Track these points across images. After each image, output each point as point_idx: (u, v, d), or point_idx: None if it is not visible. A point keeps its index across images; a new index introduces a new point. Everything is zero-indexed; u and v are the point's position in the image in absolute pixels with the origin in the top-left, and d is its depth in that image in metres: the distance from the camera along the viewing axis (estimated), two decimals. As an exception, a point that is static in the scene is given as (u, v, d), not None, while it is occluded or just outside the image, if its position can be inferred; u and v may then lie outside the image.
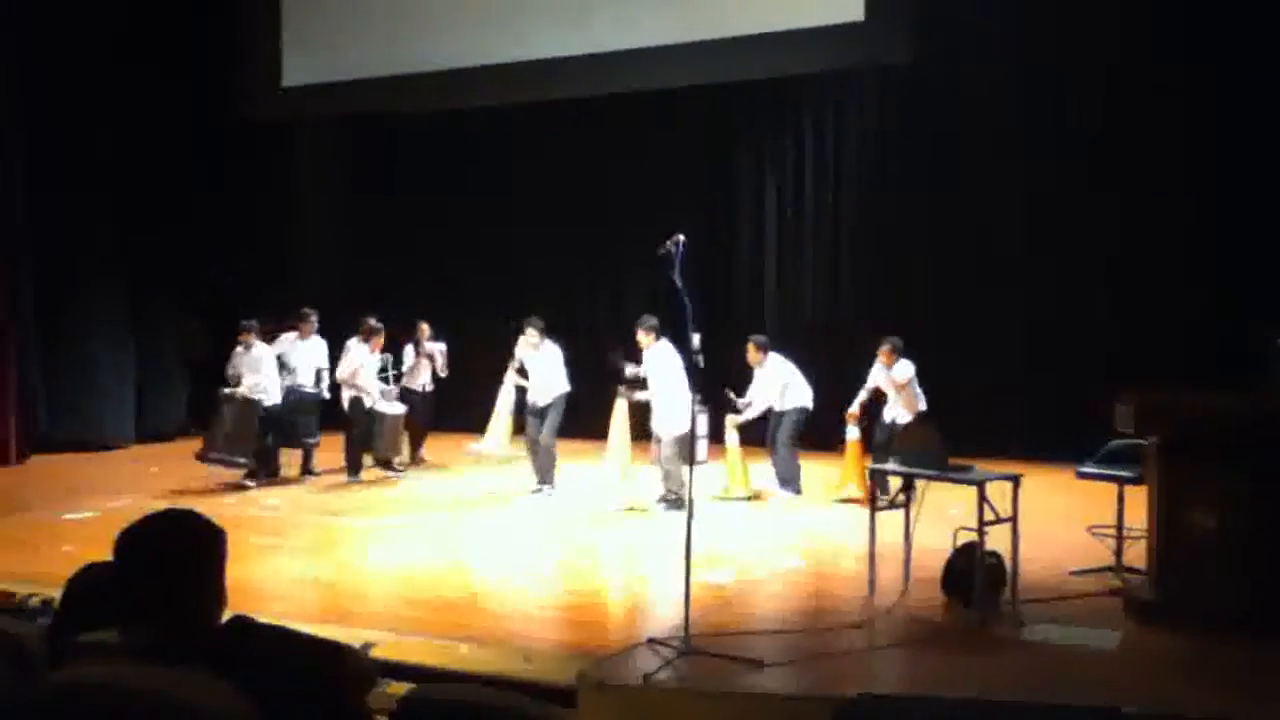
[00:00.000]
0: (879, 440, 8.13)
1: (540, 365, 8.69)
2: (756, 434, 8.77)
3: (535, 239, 12.72)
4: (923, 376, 8.40)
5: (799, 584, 6.11)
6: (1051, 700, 4.02)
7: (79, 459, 10.96)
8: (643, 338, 8.12)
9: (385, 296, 11.44)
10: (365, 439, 9.61)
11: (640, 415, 8.69)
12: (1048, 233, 10.35)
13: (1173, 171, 9.69)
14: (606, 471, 9.46)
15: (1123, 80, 9.92)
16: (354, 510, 8.29)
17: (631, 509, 8.10)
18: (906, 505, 5.63)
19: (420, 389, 10.58)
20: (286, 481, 9.52)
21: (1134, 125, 9.88)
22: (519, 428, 9.46)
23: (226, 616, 2.05)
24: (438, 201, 13.15)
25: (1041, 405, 10.19)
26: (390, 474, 9.75)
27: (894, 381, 8.23)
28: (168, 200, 11.88)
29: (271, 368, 9.43)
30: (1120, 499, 5.90)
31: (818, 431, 8.88)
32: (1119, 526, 5.91)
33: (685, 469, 5.65)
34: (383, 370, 9.98)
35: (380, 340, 9.75)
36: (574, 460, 9.37)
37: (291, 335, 9.86)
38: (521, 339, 8.83)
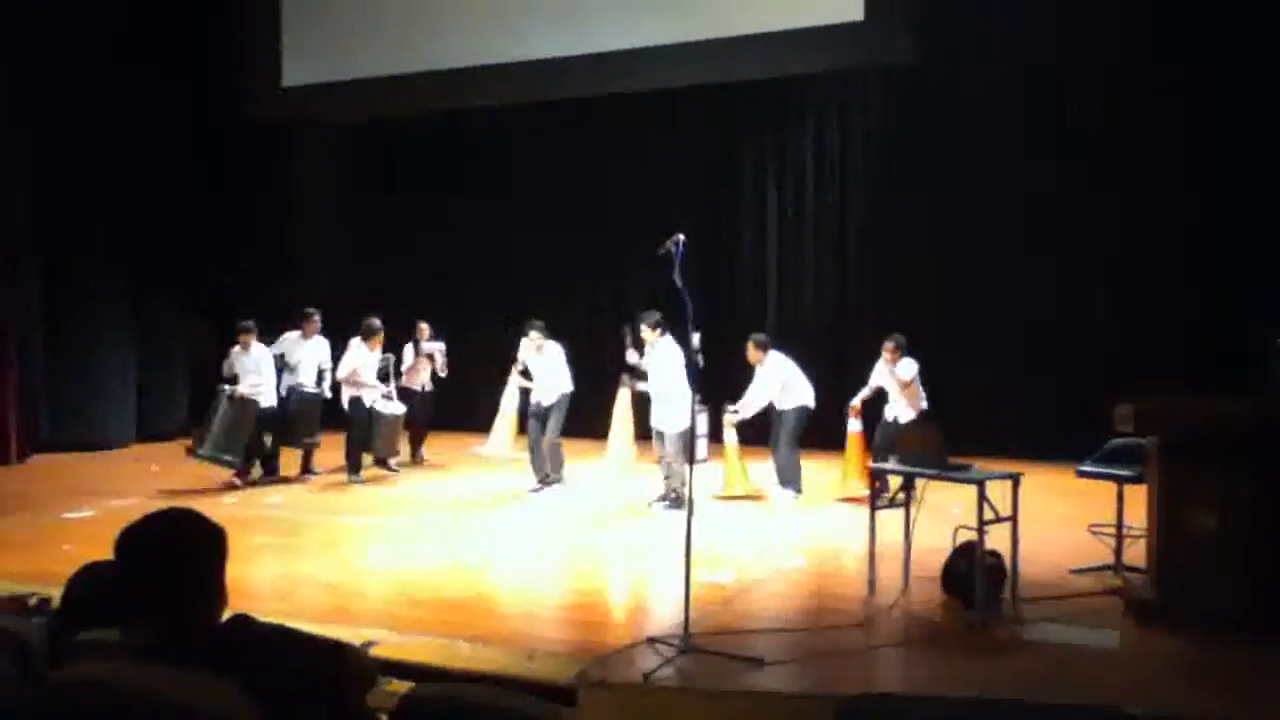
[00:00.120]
0: (881, 439, 8.14)
1: (544, 366, 8.74)
2: (757, 433, 8.78)
3: (535, 239, 12.73)
4: (923, 375, 8.41)
5: (799, 583, 6.11)
6: (1052, 700, 4.02)
7: (80, 458, 10.97)
8: (647, 333, 8.15)
9: (386, 296, 11.47)
10: (365, 439, 9.62)
11: (642, 407, 8.71)
12: (1048, 233, 10.36)
13: (1173, 171, 9.70)
14: (608, 464, 9.49)
15: (1123, 80, 9.93)
16: (355, 509, 8.30)
17: (632, 509, 8.11)
18: (906, 504, 5.63)
19: (419, 389, 10.59)
20: (287, 481, 9.53)
21: (1134, 125, 9.89)
22: (523, 429, 9.48)
23: (227, 615, 2.05)
24: (438, 201, 13.16)
25: (1041, 405, 10.20)
26: (386, 473, 9.75)
27: (899, 379, 8.24)
28: (168, 200, 11.90)
29: (270, 369, 9.44)
30: (1120, 498, 5.90)
31: (820, 430, 8.88)
32: (1119, 525, 5.92)
33: (686, 467, 5.65)
34: (383, 370, 9.99)
35: (380, 340, 9.75)
36: (575, 459, 9.38)
37: (294, 334, 9.86)
38: (524, 341, 8.88)
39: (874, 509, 5.69)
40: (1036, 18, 10.25)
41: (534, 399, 8.85)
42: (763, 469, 8.70)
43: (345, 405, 9.67)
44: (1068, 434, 8.17)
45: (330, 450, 9.85)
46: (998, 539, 5.19)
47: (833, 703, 3.91)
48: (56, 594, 2.64)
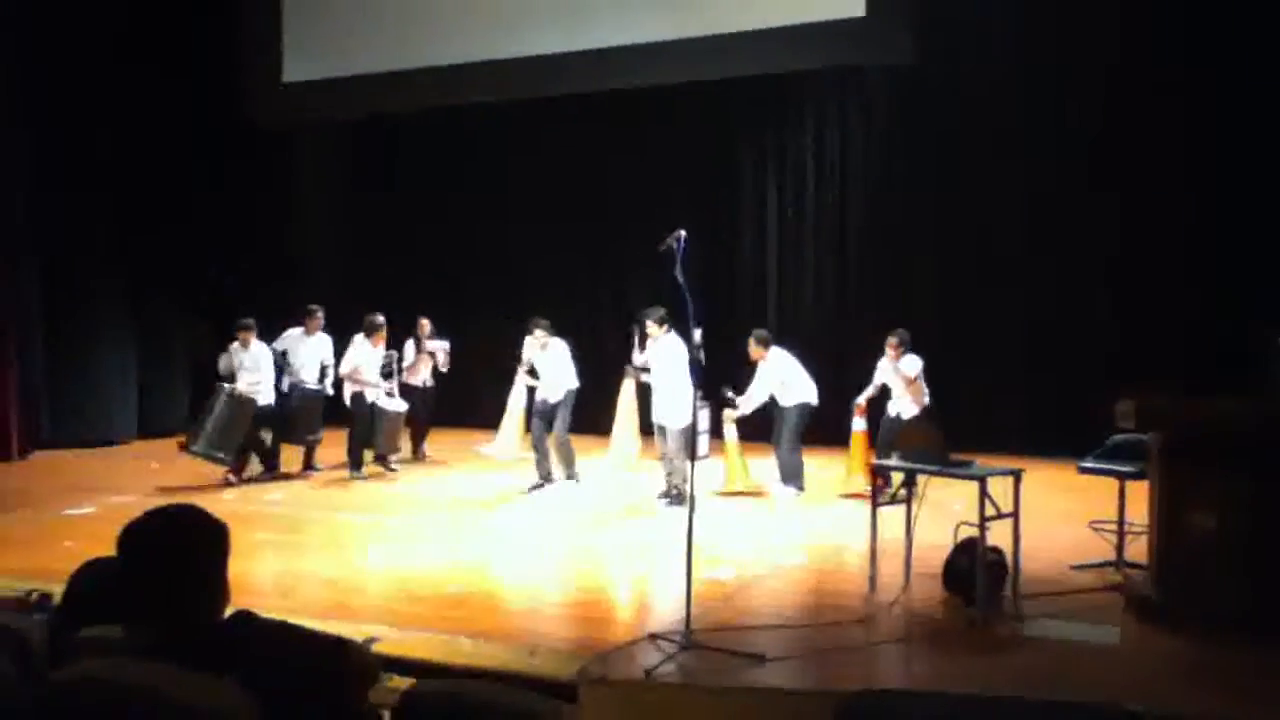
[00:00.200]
0: (883, 435, 8.14)
1: (549, 363, 8.76)
2: (758, 430, 8.77)
3: (536, 235, 12.72)
4: (925, 373, 8.42)
5: (800, 579, 6.11)
6: (1053, 697, 4.01)
7: (80, 455, 10.98)
8: (653, 328, 8.16)
9: (386, 293, 11.45)
10: (367, 435, 9.63)
11: (646, 400, 8.72)
12: (1048, 232, 10.35)
13: (1173, 171, 9.69)
14: (610, 457, 9.49)
15: (1123, 80, 9.92)
16: (356, 506, 8.30)
17: (633, 506, 8.12)
18: (908, 501, 5.63)
19: (421, 385, 10.59)
20: (289, 477, 9.53)
21: (1134, 125, 9.87)
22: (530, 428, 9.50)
23: (229, 612, 2.05)
24: (438, 198, 13.16)
25: (1042, 405, 10.20)
26: (386, 470, 9.75)
27: (904, 376, 8.25)
28: (169, 199, 11.90)
29: (269, 367, 9.43)
30: (1121, 494, 5.91)
31: (822, 427, 8.89)
32: (1120, 522, 5.92)
33: (688, 463, 5.65)
34: (386, 367, 9.99)
35: (383, 336, 9.76)
36: (579, 455, 9.36)
37: (297, 331, 9.87)
38: (529, 339, 8.90)
39: (875, 505, 5.69)
40: (1037, 17, 10.24)
41: (540, 396, 8.86)
42: (764, 465, 8.70)
43: (347, 401, 9.67)
44: (1068, 434, 8.17)
45: (332, 447, 9.86)
46: (999, 535, 5.20)
47: (833, 699, 3.91)
48: (57, 590, 2.64)
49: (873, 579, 5.59)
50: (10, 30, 10.82)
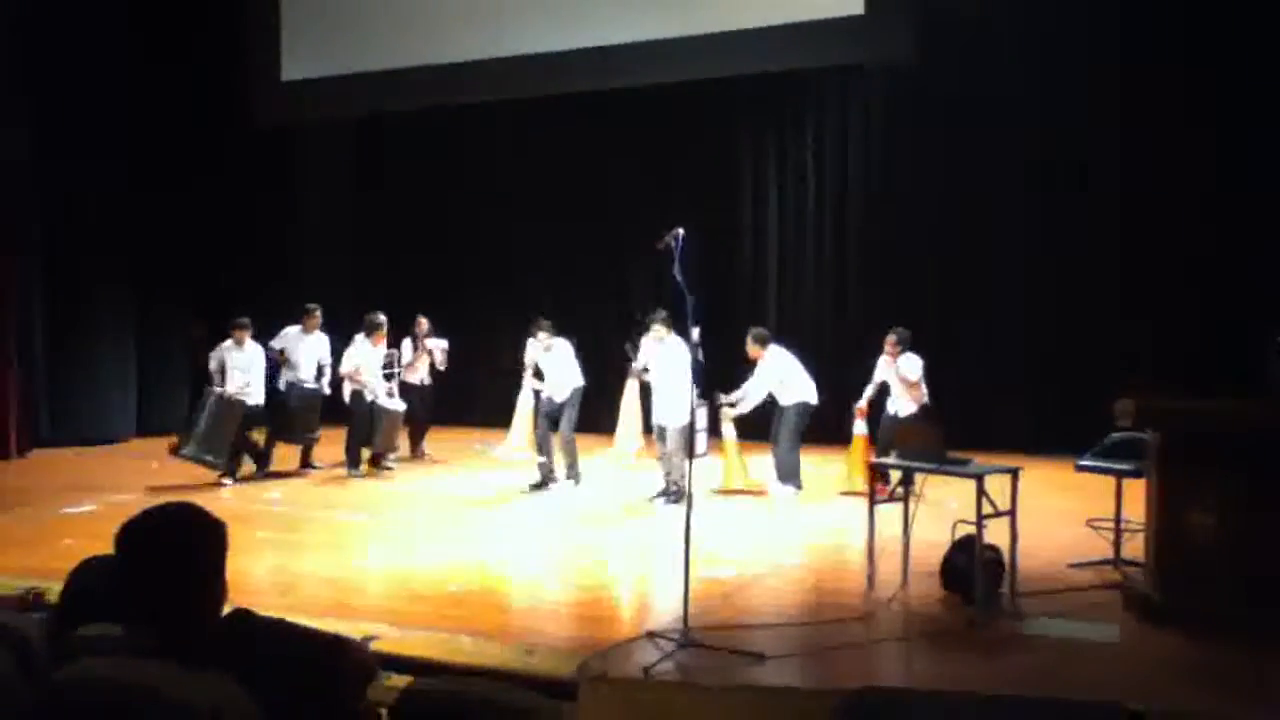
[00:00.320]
0: (882, 434, 8.14)
1: (554, 364, 8.80)
2: (757, 428, 8.77)
3: (536, 233, 12.71)
4: (924, 371, 8.42)
5: (799, 578, 6.11)
6: (1052, 695, 4.02)
7: (79, 453, 10.98)
8: (660, 330, 8.17)
9: (386, 292, 11.46)
10: (366, 434, 9.63)
11: (649, 400, 8.74)
12: (1047, 231, 10.35)
13: (1173, 170, 9.68)
14: (614, 454, 9.50)
15: (1122, 78, 9.90)
16: (354, 504, 8.30)
17: (632, 505, 8.13)
18: (905, 499, 5.63)
19: (419, 384, 10.59)
20: (287, 475, 9.53)
21: (1134, 123, 9.86)
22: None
23: (227, 610, 2.05)
24: (438, 197, 13.15)
25: (1041, 404, 10.21)
26: (382, 470, 9.75)
27: (904, 379, 8.28)
28: (168, 199, 11.88)
29: (261, 368, 9.41)
30: (1118, 493, 5.91)
31: (821, 426, 8.89)
32: (1117, 520, 5.93)
33: (686, 462, 5.66)
34: (387, 366, 9.99)
35: (383, 335, 9.76)
36: (580, 454, 9.35)
37: (294, 329, 9.86)
38: (531, 342, 8.93)
39: (873, 504, 5.69)
40: (1036, 15, 10.24)
41: (545, 395, 8.88)
42: (763, 463, 8.70)
43: (347, 400, 9.67)
44: (1067, 434, 8.17)
45: (330, 445, 9.85)
46: (996, 533, 5.20)
47: (832, 698, 3.92)
48: (53, 588, 2.64)
49: (871, 577, 5.60)
50: (10, 30, 10.82)
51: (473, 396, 12.02)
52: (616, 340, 10.47)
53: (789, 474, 8.42)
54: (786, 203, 11.95)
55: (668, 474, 8.16)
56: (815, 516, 7.71)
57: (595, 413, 9.99)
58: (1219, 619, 4.68)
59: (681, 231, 5.06)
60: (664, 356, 8.15)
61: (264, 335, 9.67)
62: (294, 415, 9.56)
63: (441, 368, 10.69)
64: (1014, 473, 5.25)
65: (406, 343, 10.57)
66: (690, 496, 4.92)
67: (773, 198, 12.01)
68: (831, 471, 8.92)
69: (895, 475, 6.15)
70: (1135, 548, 5.65)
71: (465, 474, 9.76)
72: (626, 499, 8.32)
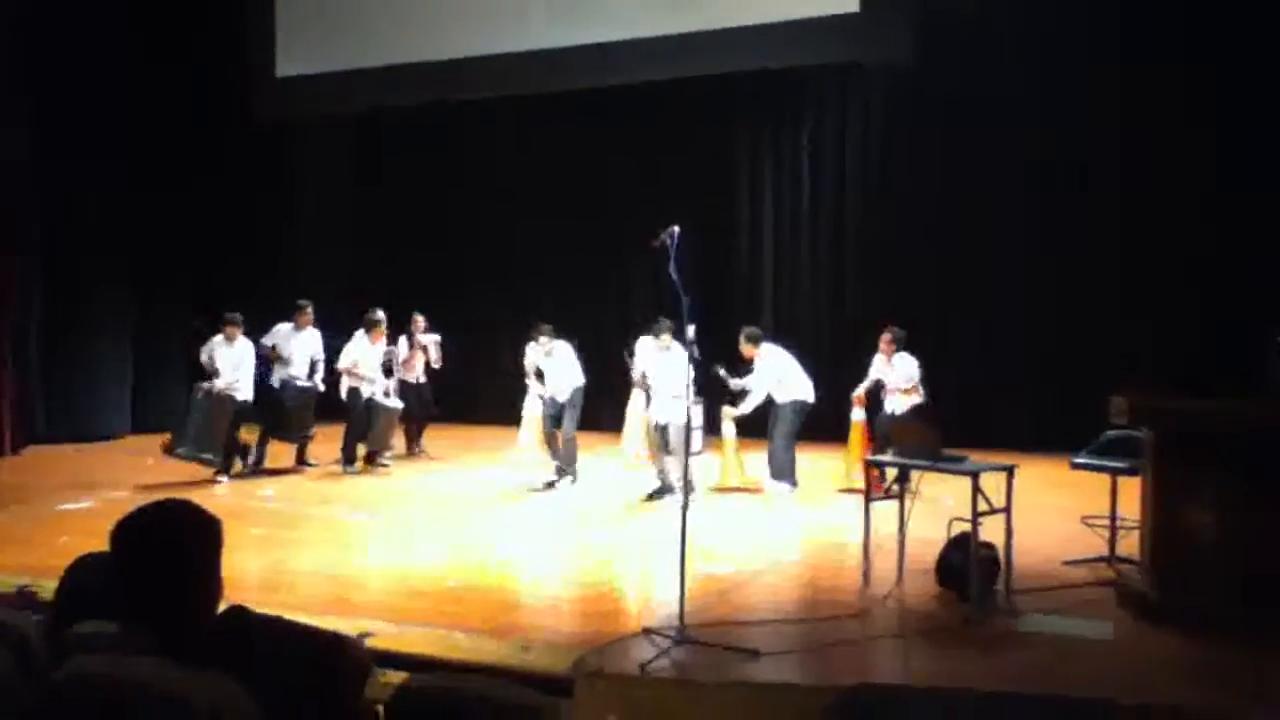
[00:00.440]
0: (879, 431, 8.16)
1: (555, 366, 8.84)
2: (755, 425, 8.77)
3: (534, 230, 12.71)
4: (921, 368, 8.43)
5: (795, 575, 6.12)
6: (1047, 691, 4.03)
7: (75, 451, 10.97)
8: (666, 338, 8.19)
9: (384, 289, 11.45)
10: (362, 430, 9.62)
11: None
12: (1046, 229, 10.35)
13: (1173, 171, 9.69)
14: (621, 451, 9.52)
15: (1121, 77, 9.91)
16: (350, 501, 8.30)
17: (645, 499, 8.14)
18: (901, 496, 5.64)
19: (414, 380, 10.58)
20: (282, 472, 9.52)
21: (1133, 122, 9.86)
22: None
23: (223, 607, 2.05)
24: (436, 194, 13.14)
25: (1041, 404, 10.22)
26: (376, 467, 9.74)
27: (899, 386, 8.34)
28: (166, 196, 11.85)
29: (250, 364, 9.39)
30: (1113, 490, 5.92)
31: (818, 423, 8.89)
32: (1112, 517, 5.94)
33: (683, 460, 5.67)
34: (386, 363, 9.99)
35: (382, 332, 9.76)
36: (580, 453, 9.36)
37: (286, 326, 9.84)
38: (531, 346, 8.97)
39: (869, 501, 5.70)
40: (1035, 14, 10.24)
41: (548, 395, 8.91)
42: (760, 461, 8.69)
43: (344, 396, 9.66)
44: (1065, 433, 8.18)
45: (325, 442, 9.84)
46: (992, 531, 5.21)
47: (828, 694, 3.93)
48: (48, 585, 2.64)
49: (867, 574, 5.60)
50: (10, 30, 10.80)
51: (472, 395, 12.01)
52: (615, 338, 10.48)
53: (783, 471, 8.42)
54: (784, 201, 11.95)
55: (661, 472, 8.16)
56: (812, 514, 7.72)
57: (595, 411, 10.00)
58: (1215, 617, 4.69)
59: (677, 229, 5.05)
60: (666, 360, 8.19)
61: (261, 332, 9.65)
62: (289, 414, 9.54)
63: (435, 364, 10.67)
64: (1009, 470, 5.26)
65: (403, 340, 10.56)
66: (687, 494, 4.92)
67: (770, 196, 12.00)
68: (828, 469, 8.92)
69: (891, 472, 6.15)
70: (1130, 545, 5.66)
71: (461, 472, 9.75)
72: (624, 497, 8.32)
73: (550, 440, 8.88)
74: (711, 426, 8.72)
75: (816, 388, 8.54)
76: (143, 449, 10.93)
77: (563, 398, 8.77)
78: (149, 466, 9.73)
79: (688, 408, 6.97)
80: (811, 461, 8.93)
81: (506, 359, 10.46)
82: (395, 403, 9.88)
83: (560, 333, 8.98)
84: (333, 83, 11.83)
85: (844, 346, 10.61)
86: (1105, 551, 5.93)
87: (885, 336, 8.47)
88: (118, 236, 11.69)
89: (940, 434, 5.50)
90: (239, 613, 2.03)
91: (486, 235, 12.95)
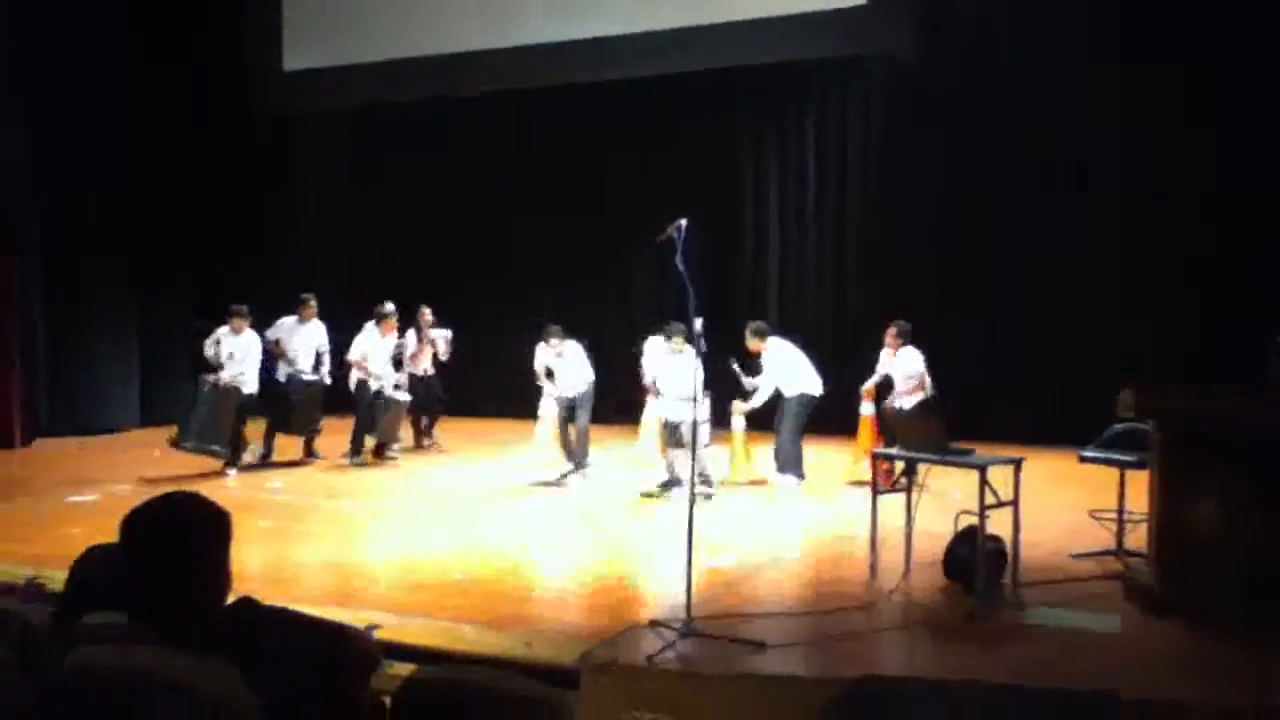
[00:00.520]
0: (887, 425, 8.15)
1: (566, 366, 8.88)
2: (763, 419, 8.76)
3: (536, 226, 12.69)
4: (926, 363, 8.42)
5: (801, 568, 6.13)
6: (1054, 685, 4.03)
7: (82, 444, 11.01)
8: (678, 342, 8.19)
9: (387, 283, 11.45)
10: (370, 423, 9.64)
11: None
12: (1049, 225, 10.32)
13: (1173, 171, 9.65)
14: (638, 448, 9.55)
15: (1122, 75, 9.86)
16: (358, 494, 8.32)
17: (650, 494, 8.14)
18: (908, 489, 5.64)
19: (422, 374, 10.59)
20: (290, 465, 9.54)
21: (1134, 121, 9.82)
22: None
23: (231, 599, 2.06)
24: (438, 188, 13.12)
25: (1041, 404, 10.18)
26: (385, 459, 9.76)
27: (906, 378, 8.33)
28: (169, 191, 11.87)
29: (256, 356, 9.40)
30: (1121, 483, 5.91)
31: (824, 417, 8.88)
32: (1120, 511, 5.93)
33: (691, 453, 5.67)
34: (396, 356, 10.01)
35: (392, 325, 9.78)
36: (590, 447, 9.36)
37: (290, 320, 9.86)
38: (542, 347, 8.97)
39: (876, 494, 5.70)
40: (1038, 10, 10.19)
41: (559, 393, 8.94)
42: (767, 454, 8.69)
43: (352, 388, 9.68)
44: (1068, 431, 8.15)
45: (333, 435, 9.86)
46: (999, 524, 5.20)
47: (834, 686, 3.93)
48: (55, 577, 2.65)
49: (873, 567, 5.61)
50: (10, 30, 10.82)
51: (472, 391, 12.00)
52: (616, 336, 10.48)
53: (790, 463, 8.41)
54: (786, 197, 11.92)
55: (670, 465, 8.18)
56: (818, 507, 7.72)
57: (599, 408, 9.98)
58: (1220, 613, 4.68)
59: (684, 222, 5.04)
60: (676, 363, 8.19)
61: (260, 329, 9.65)
62: (296, 409, 9.55)
63: (445, 359, 10.69)
64: (1017, 464, 5.26)
65: (410, 334, 10.56)
66: (693, 487, 4.93)
67: (773, 192, 11.97)
68: (836, 461, 8.92)
69: (899, 465, 6.15)
70: (1138, 539, 5.65)
71: (468, 465, 9.76)
72: (632, 491, 8.33)
73: (564, 436, 8.91)
74: (720, 420, 8.71)
75: (822, 384, 8.53)
76: (148, 442, 10.97)
77: (574, 394, 8.81)
78: (156, 459, 9.76)
79: (695, 409, 7.01)
80: (818, 455, 8.92)
81: (513, 355, 10.44)
82: (404, 396, 9.89)
83: (569, 335, 9.01)
84: (331, 77, 11.83)
85: (846, 343, 10.61)
86: (1113, 545, 5.92)
87: (891, 330, 8.48)
88: (118, 236, 11.71)
89: (946, 427, 5.50)
90: (247, 604, 2.03)
91: (485, 231, 12.93)
